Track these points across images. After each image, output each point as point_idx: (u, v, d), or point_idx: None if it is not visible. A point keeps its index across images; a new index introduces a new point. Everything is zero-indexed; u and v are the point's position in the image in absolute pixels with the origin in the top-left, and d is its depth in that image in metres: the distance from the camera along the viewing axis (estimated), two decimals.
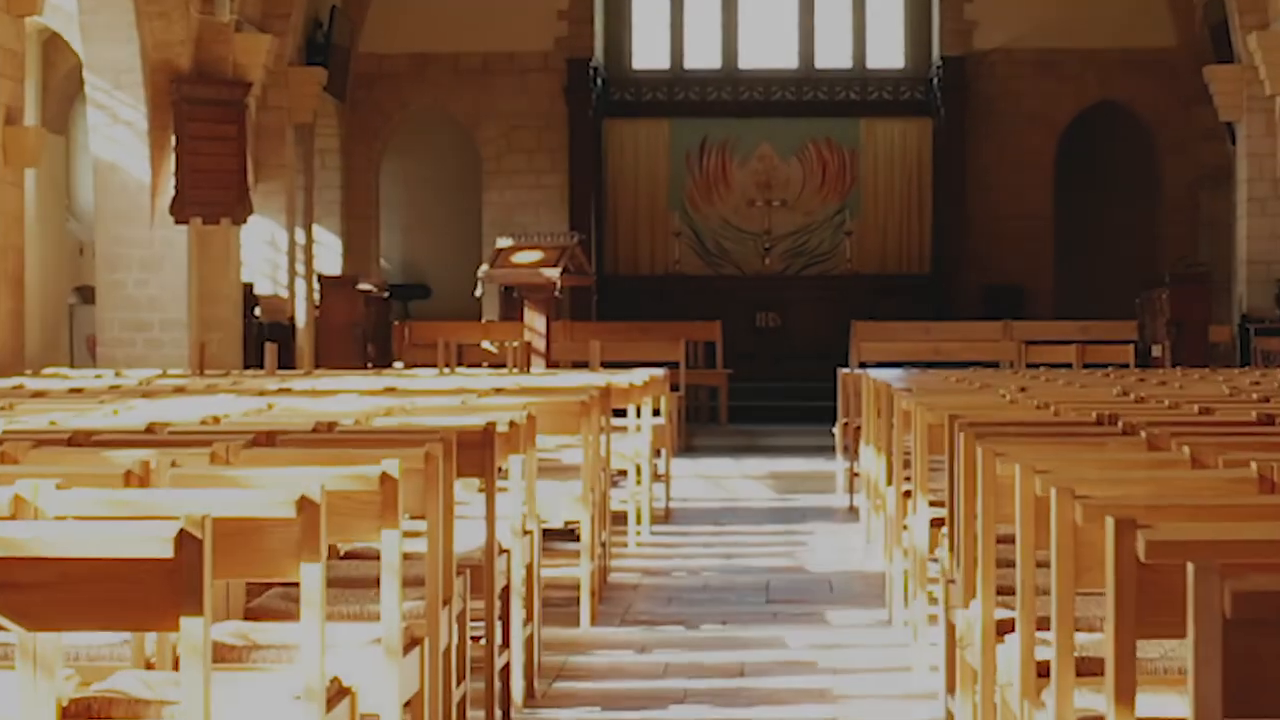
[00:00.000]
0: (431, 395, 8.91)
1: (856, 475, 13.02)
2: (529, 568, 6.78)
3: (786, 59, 23.06)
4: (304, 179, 19.73)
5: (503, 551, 6.23)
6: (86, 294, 17.55)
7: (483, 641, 6.00)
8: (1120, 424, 5.90)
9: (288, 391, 9.23)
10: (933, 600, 7.05)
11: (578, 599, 8.29)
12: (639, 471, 11.56)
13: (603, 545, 9.38)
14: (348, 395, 8.47)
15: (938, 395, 8.61)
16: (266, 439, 5.30)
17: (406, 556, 5.73)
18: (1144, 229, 22.21)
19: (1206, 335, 17.13)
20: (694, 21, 23.10)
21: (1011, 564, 4.19)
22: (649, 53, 23.13)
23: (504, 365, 17.16)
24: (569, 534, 9.39)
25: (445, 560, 5.22)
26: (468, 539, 6.01)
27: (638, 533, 11.34)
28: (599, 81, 22.34)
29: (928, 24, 22.65)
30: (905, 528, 7.94)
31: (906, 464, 8.48)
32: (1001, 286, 21.53)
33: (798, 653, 7.61)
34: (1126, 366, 16.07)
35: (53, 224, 18.14)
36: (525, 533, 6.64)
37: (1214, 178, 21.08)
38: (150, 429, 5.84)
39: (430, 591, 4.72)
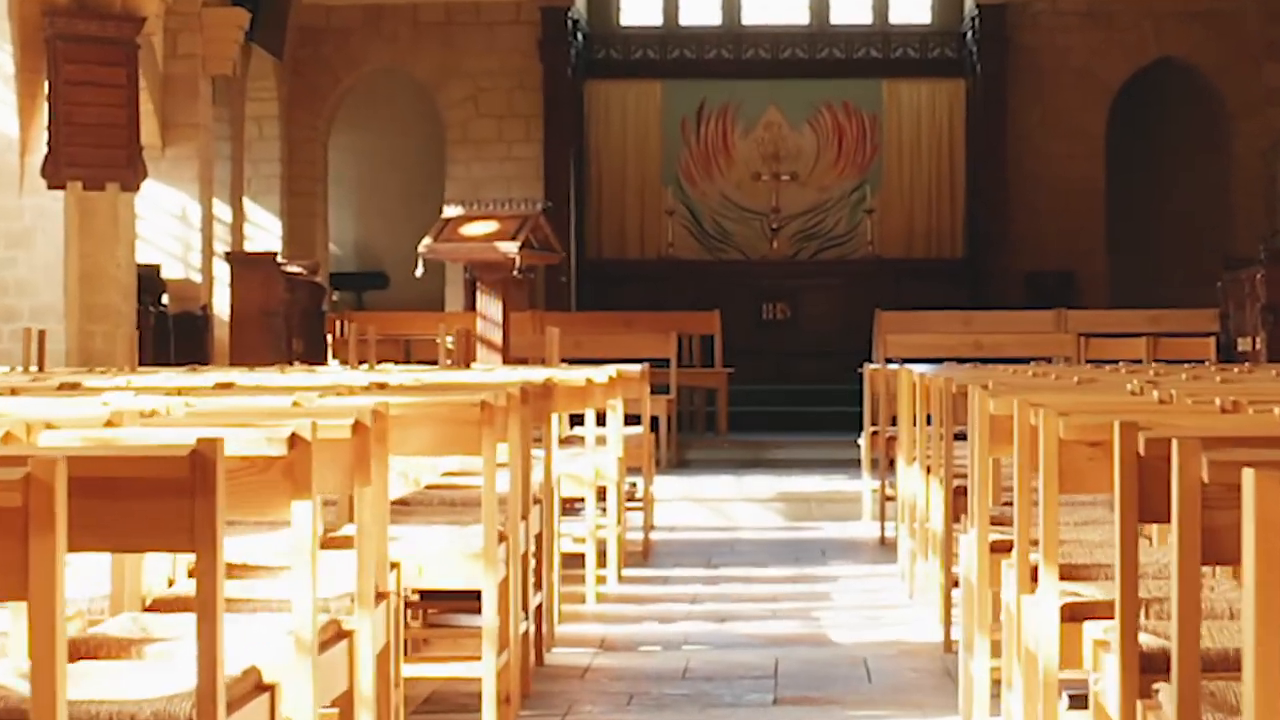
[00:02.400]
0: (267, 394, 5.95)
1: (890, 498, 10.36)
2: (349, 696, 3.81)
3: (797, 13, 20.85)
4: (232, 148, 17.03)
5: (263, 689, 3.24)
6: None
7: None
8: None
9: (73, 389, 6.29)
10: None
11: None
12: (602, 497, 8.76)
13: (535, 613, 6.45)
14: (123, 394, 5.52)
15: (1034, 393, 5.63)
16: None
17: None
18: (1210, 205, 20.05)
19: None
20: None
21: None
22: (638, 4, 20.88)
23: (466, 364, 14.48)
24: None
25: None
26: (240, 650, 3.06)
27: (601, 580, 8.50)
28: (580, 36, 20.10)
29: None
30: (997, 598, 5.03)
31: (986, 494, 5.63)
32: (1047, 271, 19.39)
33: None
34: (1204, 363, 13.45)
35: None
36: (329, 642, 3.67)
37: None
38: None
39: None
